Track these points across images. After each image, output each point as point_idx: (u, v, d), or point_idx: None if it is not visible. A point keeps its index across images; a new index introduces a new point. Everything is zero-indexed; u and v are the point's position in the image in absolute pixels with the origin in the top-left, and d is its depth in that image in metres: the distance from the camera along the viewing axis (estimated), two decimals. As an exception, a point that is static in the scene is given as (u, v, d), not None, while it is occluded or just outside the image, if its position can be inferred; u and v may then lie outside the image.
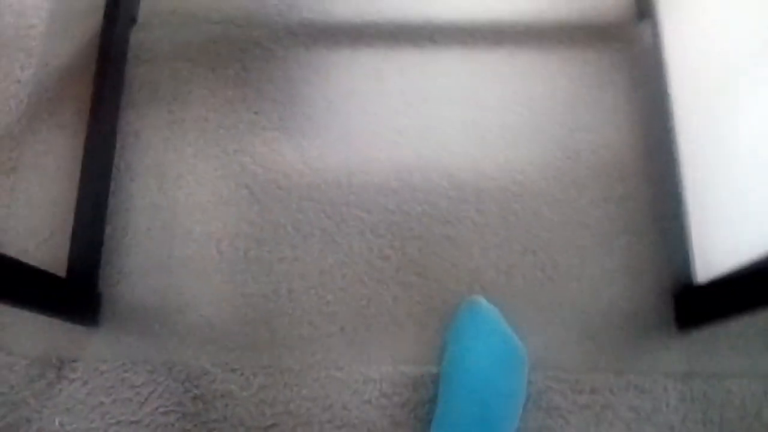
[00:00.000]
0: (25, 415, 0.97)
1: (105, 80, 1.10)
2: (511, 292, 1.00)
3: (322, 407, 0.96)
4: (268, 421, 0.95)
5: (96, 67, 1.11)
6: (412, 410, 0.96)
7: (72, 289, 0.98)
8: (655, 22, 1.11)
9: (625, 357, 0.97)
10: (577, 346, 0.98)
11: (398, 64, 1.14)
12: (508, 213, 1.04)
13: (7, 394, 0.98)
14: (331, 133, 1.10)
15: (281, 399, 0.96)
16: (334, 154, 1.08)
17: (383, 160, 1.08)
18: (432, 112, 1.11)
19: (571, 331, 0.99)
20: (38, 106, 1.13)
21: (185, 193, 1.07)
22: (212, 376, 0.98)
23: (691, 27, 1.09)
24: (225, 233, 1.05)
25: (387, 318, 1.00)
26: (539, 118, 1.09)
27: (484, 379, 0.90)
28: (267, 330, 0.99)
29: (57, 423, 0.96)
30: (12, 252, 1.01)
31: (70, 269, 0.99)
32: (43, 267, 0.90)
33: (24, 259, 0.86)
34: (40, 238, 1.05)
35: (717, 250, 0.94)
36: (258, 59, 1.14)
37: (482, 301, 0.96)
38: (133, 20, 1.18)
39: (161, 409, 0.96)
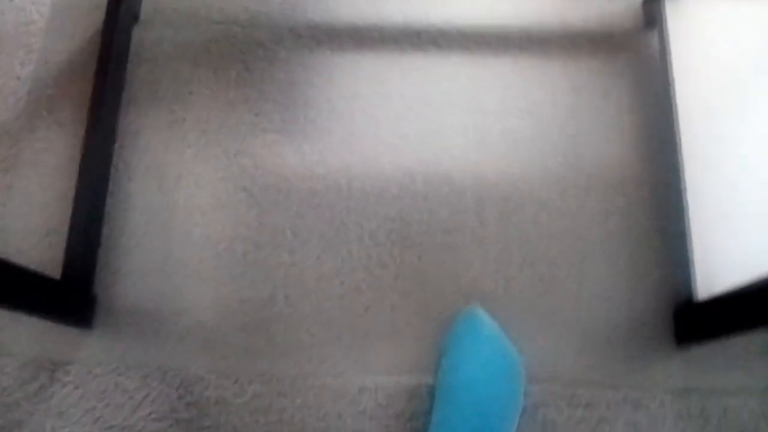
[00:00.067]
0: (16, 419, 0.96)
1: (105, 78, 1.09)
2: (509, 303, 1.00)
3: (317, 417, 0.95)
4: (261, 429, 0.95)
5: (97, 65, 1.10)
6: (408, 421, 0.95)
7: (66, 291, 0.97)
8: (662, 31, 1.10)
9: (623, 371, 0.97)
10: (575, 358, 0.98)
11: (401, 68, 1.13)
12: (508, 223, 1.03)
13: (-2, 396, 0.98)
14: (332, 136, 1.09)
15: (276, 407, 0.96)
16: (334, 159, 1.07)
17: (384, 164, 1.07)
18: (434, 116, 1.10)
19: (568, 343, 0.98)
20: (37, 103, 1.12)
21: (184, 195, 1.06)
22: (206, 382, 0.97)
23: (698, 36, 1.08)
24: (223, 236, 1.04)
25: (384, 326, 0.99)
26: (542, 125, 1.08)
27: (481, 389, 0.89)
28: (263, 336, 0.99)
29: (49, 427, 0.96)
30: (8, 251, 1.02)
31: (66, 269, 0.98)
32: (38, 266, 0.89)
33: (20, 258, 0.86)
34: (36, 237, 1.04)
35: (719, 267, 0.94)
36: (260, 60, 1.13)
37: (480, 311, 0.96)
38: (135, 18, 1.17)
39: (154, 415, 0.96)
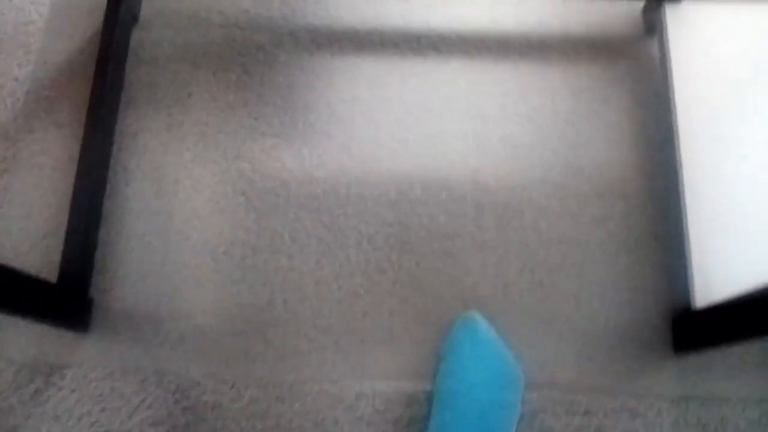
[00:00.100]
0: (11, 423, 0.96)
1: (104, 79, 1.08)
2: (508, 309, 1.00)
3: (314, 422, 0.95)
4: (258, 434, 0.95)
5: (95, 66, 1.09)
6: (405, 427, 0.95)
7: (63, 294, 0.96)
8: (662, 37, 1.10)
9: (620, 378, 0.97)
10: (572, 365, 0.97)
11: (401, 72, 1.13)
12: (507, 228, 1.03)
13: (-6, 400, 0.97)
14: (331, 140, 1.08)
15: (272, 413, 0.95)
16: (333, 163, 1.07)
17: (383, 169, 1.07)
18: (434, 121, 1.10)
19: (566, 350, 0.98)
20: (35, 104, 1.11)
21: (182, 199, 1.06)
22: (203, 387, 0.97)
23: (698, 43, 1.08)
24: (221, 240, 1.03)
25: (382, 332, 0.99)
26: (541, 131, 1.08)
27: (478, 396, 0.89)
28: (260, 341, 0.98)
29: (44, 431, 0.95)
30: (4, 253, 1.01)
31: (62, 272, 0.98)
32: (35, 269, 0.89)
33: (16, 261, 0.85)
34: (33, 240, 1.03)
35: (717, 276, 0.94)
36: (260, 63, 1.13)
37: (478, 317, 0.96)
38: (134, 19, 1.16)
39: (150, 420, 0.95)
